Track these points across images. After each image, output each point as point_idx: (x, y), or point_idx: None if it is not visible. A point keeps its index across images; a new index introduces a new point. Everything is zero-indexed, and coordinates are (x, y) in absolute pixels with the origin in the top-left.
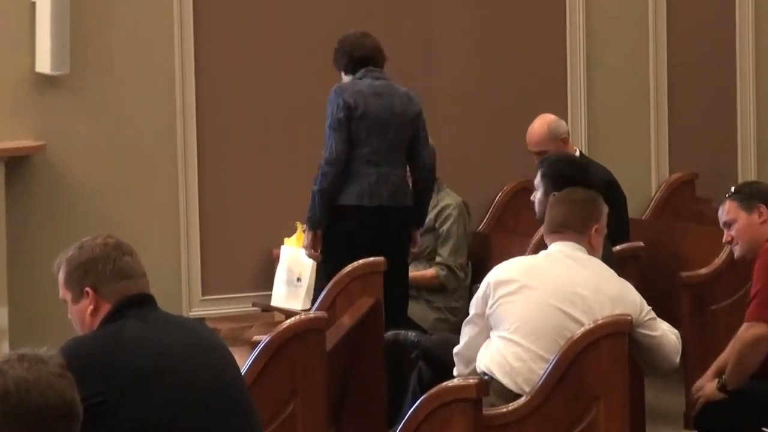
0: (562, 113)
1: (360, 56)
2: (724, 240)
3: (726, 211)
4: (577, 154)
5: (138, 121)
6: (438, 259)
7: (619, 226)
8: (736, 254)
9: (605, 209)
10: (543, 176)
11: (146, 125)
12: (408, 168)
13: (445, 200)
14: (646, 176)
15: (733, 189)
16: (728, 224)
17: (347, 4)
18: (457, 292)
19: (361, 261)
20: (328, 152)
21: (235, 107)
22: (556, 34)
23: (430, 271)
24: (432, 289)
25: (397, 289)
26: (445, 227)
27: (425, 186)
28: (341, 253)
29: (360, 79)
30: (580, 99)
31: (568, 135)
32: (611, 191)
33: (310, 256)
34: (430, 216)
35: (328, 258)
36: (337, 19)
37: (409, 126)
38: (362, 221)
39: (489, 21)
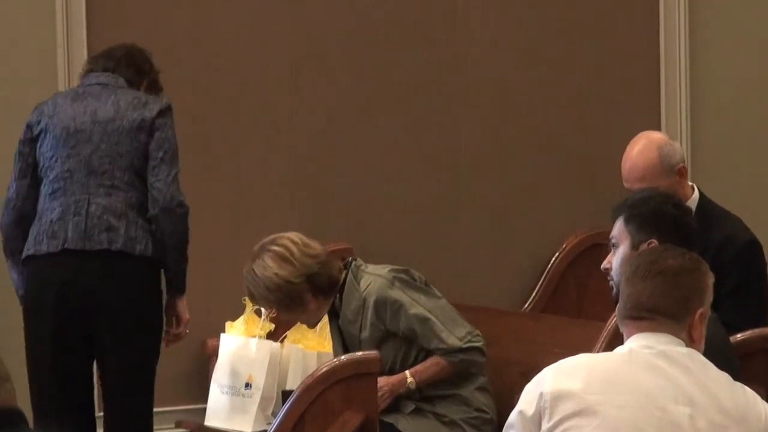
0: None
1: (103, 66)
2: None
3: None
4: (696, 195)
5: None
6: (437, 353)
7: (758, 306)
8: None
9: (711, 281)
10: (629, 220)
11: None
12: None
13: (374, 291)
14: None
15: None
16: None
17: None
18: (484, 374)
19: (343, 358)
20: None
21: None
22: (646, 30)
23: (433, 360)
24: (435, 396)
25: (119, 398)
26: (401, 321)
27: (165, 232)
28: (28, 332)
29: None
30: (680, 122)
31: (685, 164)
32: (755, 256)
33: None
34: (369, 320)
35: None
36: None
37: (129, 137)
38: (38, 279)
39: (541, 17)
